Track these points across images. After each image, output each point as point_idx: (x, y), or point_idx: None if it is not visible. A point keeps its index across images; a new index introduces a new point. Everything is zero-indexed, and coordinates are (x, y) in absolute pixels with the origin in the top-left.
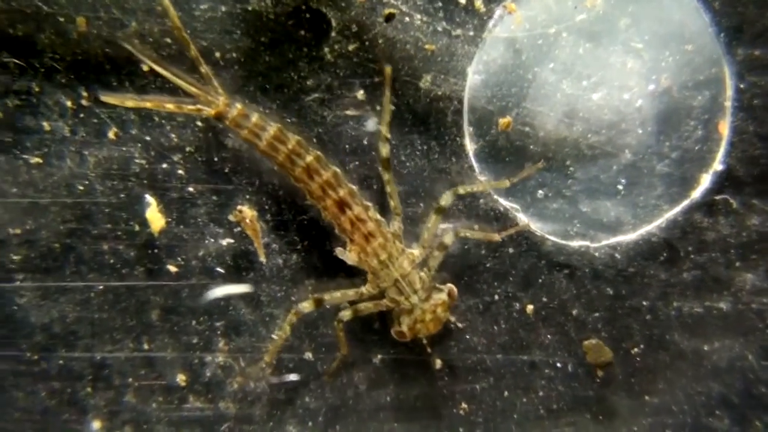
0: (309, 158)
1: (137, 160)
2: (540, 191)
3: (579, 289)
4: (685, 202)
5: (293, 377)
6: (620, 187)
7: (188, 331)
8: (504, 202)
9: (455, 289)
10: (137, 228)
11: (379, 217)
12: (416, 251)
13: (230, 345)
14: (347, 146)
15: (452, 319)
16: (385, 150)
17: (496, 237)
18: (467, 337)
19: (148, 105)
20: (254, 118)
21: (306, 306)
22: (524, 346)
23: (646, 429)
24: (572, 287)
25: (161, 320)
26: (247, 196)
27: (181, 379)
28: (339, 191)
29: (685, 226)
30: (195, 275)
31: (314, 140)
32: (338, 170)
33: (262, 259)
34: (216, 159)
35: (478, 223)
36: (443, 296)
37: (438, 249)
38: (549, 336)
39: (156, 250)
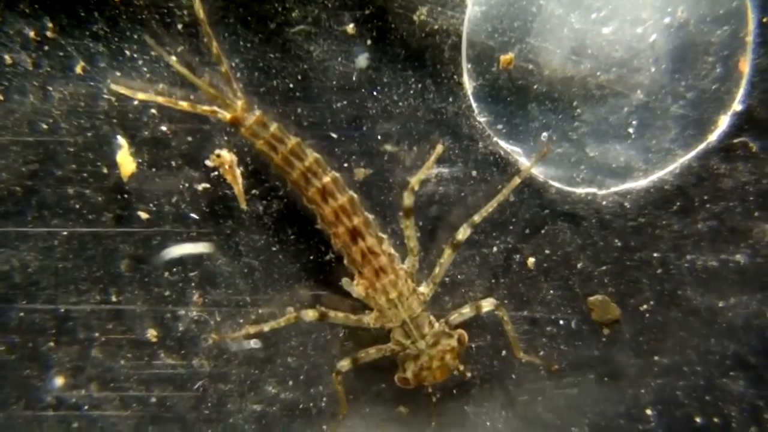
0: (326, 179)
1: (106, 97)
2: (544, 134)
3: (584, 241)
4: (701, 146)
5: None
6: (631, 129)
7: (160, 282)
8: (505, 146)
9: (466, 335)
10: (105, 170)
11: (393, 251)
12: (425, 289)
13: (205, 298)
14: (335, 84)
15: (461, 368)
16: (408, 201)
17: (522, 355)
18: (462, 291)
19: (159, 100)
20: (272, 128)
21: (310, 315)
22: (525, 301)
23: (655, 391)
24: (577, 238)
25: (130, 270)
26: (226, 138)
27: (151, 334)
28: (353, 219)
29: (700, 172)
30: (168, 222)
31: (299, 77)
32: (355, 196)
33: (242, 206)
34: (192, 97)
35: (476, 168)
36: (452, 342)
37: (470, 309)
38: (551, 291)
39: (126, 195)
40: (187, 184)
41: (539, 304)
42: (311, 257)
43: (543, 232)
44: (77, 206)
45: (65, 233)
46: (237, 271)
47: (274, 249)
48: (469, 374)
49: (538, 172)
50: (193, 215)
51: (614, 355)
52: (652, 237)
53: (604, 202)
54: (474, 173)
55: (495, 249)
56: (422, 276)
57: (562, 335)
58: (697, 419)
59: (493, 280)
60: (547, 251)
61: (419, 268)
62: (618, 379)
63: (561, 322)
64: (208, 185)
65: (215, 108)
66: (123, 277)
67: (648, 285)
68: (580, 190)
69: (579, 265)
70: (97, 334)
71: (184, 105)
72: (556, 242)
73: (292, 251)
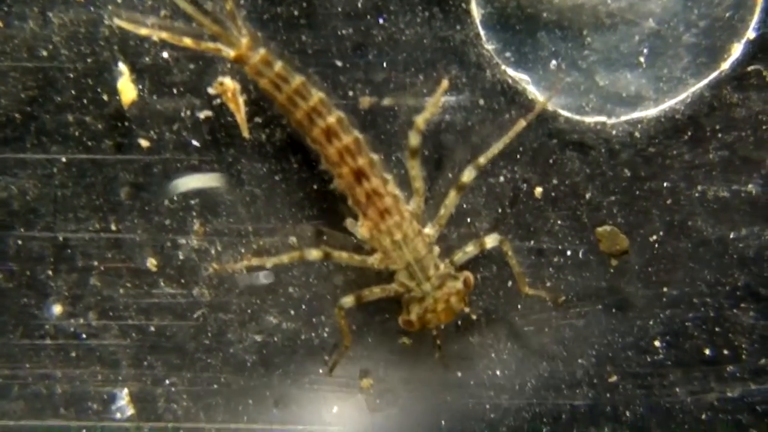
0: (330, 119)
1: (106, 23)
2: (553, 62)
3: (593, 170)
4: (713, 75)
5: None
6: (642, 58)
7: (160, 210)
8: (513, 74)
9: (471, 278)
10: (106, 97)
11: (398, 192)
12: (430, 230)
13: (206, 227)
14: (340, 11)
15: (467, 310)
16: (414, 140)
17: (528, 289)
18: (468, 220)
19: (163, 36)
20: (277, 66)
21: (314, 254)
22: (531, 232)
23: (663, 322)
24: (586, 168)
25: (130, 198)
26: (228, 65)
27: (151, 263)
28: (358, 159)
29: (712, 101)
30: (169, 150)
31: (303, 3)
32: (360, 136)
33: (245, 134)
34: (194, 24)
35: (483, 97)
36: (458, 284)
37: (474, 246)
38: (559, 221)
39: (126, 122)
40: (188, 112)
41: (546, 234)
42: (315, 186)
43: (551, 161)
44: (77, 133)
45: (64, 160)
46: (239, 199)
47: (276, 178)
48: (474, 317)
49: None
50: (195, 143)
51: (622, 286)
52: (663, 167)
53: (613, 132)
54: (481, 102)
55: (501, 179)
56: (427, 216)
57: (569, 266)
58: (707, 351)
59: (499, 210)
60: (554, 181)
61: (425, 206)
62: (626, 310)
63: (568, 252)
64: (210, 113)
65: (219, 45)
66: (123, 205)
67: (657, 215)
68: (590, 119)
69: (587, 195)
70: (96, 263)
71: (187, 41)
72: (564, 172)
73: (295, 180)
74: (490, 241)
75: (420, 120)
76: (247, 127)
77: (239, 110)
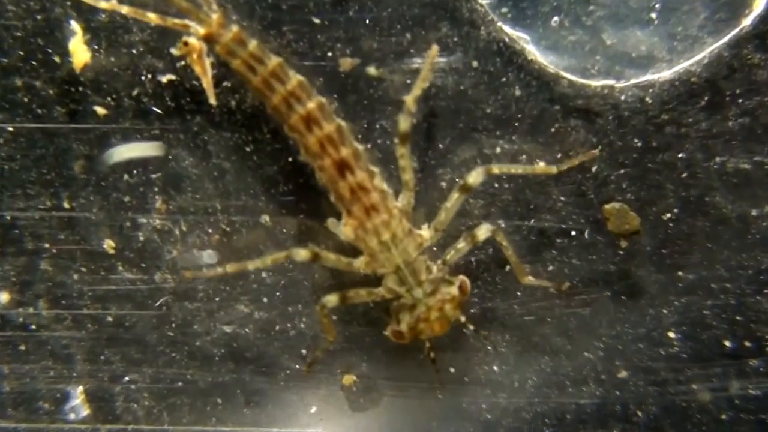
0: (310, 105)
1: None
2: (555, 18)
3: (600, 140)
4: (733, 33)
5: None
6: (654, 14)
7: (118, 186)
8: (510, 32)
9: (468, 283)
10: (57, 59)
11: (385, 187)
12: (426, 233)
13: (169, 204)
14: None
15: (463, 319)
16: (405, 124)
17: (528, 279)
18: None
19: (124, 10)
20: (251, 46)
21: (302, 254)
22: (532, 210)
23: (678, 311)
24: (592, 138)
25: (85, 172)
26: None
27: (108, 245)
28: (341, 150)
29: (732, 61)
30: (128, 118)
31: None
32: (344, 124)
33: (212, 101)
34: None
35: (477, 58)
36: (453, 290)
37: (465, 241)
38: (562, 198)
39: (80, 87)
40: (149, 75)
41: (548, 212)
42: (289, 159)
43: (553, 130)
44: (25, 99)
45: (11, 130)
46: (205, 173)
47: (247, 149)
48: (472, 327)
49: (549, 62)
50: (156, 110)
51: (633, 270)
52: (677, 136)
53: (622, 97)
54: (475, 64)
55: (498, 149)
56: (420, 213)
57: (573, 248)
58: (727, 343)
59: (495, 185)
60: (557, 153)
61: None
62: (637, 297)
63: (573, 232)
64: (173, 76)
65: (187, 21)
66: (76, 180)
67: (672, 191)
68: (596, 83)
69: (593, 169)
70: (46, 245)
71: (151, 17)
72: (567, 142)
73: (268, 152)
74: (482, 232)
75: (410, 100)
76: (214, 92)
77: (206, 74)
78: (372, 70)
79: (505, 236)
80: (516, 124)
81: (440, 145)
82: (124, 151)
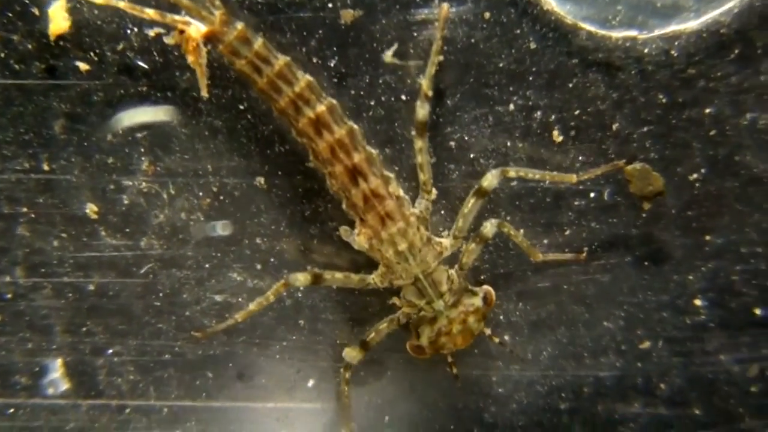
0: (320, 108)
1: None
2: None
3: (622, 96)
4: None
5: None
6: None
7: (102, 147)
8: None
9: (493, 293)
10: (37, 12)
11: (401, 193)
12: (446, 241)
13: (156, 166)
14: None
15: (487, 332)
16: (422, 111)
17: (542, 256)
18: (470, 156)
19: (121, 5)
20: (257, 44)
21: (301, 279)
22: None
23: (705, 277)
24: (613, 93)
25: (66, 132)
26: None
27: (90, 209)
28: (353, 156)
29: (764, 11)
30: (111, 74)
31: None
32: (356, 127)
33: (204, 93)
34: None
35: (489, 9)
36: (477, 301)
37: (474, 242)
38: (581, 158)
39: (61, 42)
40: (135, 29)
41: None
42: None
43: (570, 86)
44: (2, 55)
45: None
46: (195, 133)
47: (241, 107)
48: (497, 339)
49: (566, 11)
50: (143, 65)
51: (656, 233)
52: (705, 91)
53: (646, 49)
54: (487, 14)
55: (511, 106)
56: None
57: (592, 210)
58: (757, 311)
59: (508, 144)
60: (576, 110)
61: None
62: (661, 262)
63: (592, 194)
64: (161, 30)
65: (188, 19)
66: (57, 141)
67: (699, 149)
68: (617, 34)
69: (614, 126)
70: (24, 209)
71: (150, 13)
72: (586, 98)
73: (263, 109)
74: (489, 229)
75: (425, 83)
76: (206, 85)
77: (200, 65)
78: (389, 57)
79: (511, 227)
80: (531, 79)
81: (449, 102)
82: (136, 115)
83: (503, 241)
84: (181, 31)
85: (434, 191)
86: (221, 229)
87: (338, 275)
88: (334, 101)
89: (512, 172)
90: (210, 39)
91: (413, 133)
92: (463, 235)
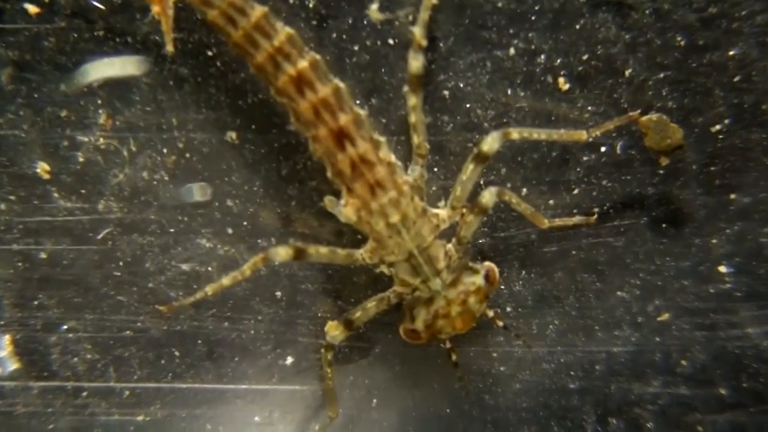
0: (302, 64)
1: None
2: None
3: (635, 39)
4: None
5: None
6: None
7: (54, 98)
8: None
9: (496, 270)
10: None
11: (393, 159)
12: (443, 212)
13: (115, 119)
14: None
15: (490, 314)
16: (416, 63)
17: (548, 222)
18: (467, 106)
19: None
20: None
21: (281, 254)
22: (553, 122)
23: (731, 241)
24: (625, 35)
25: (13, 82)
26: None
27: (42, 168)
28: (339, 117)
29: None
30: (64, 17)
31: None
32: (342, 85)
33: (169, 47)
34: None
35: None
36: (478, 280)
37: (473, 213)
38: (589, 108)
39: None
40: None
41: (573, 124)
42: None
43: (578, 27)
44: None
45: None
46: (158, 82)
47: (209, 53)
48: (501, 323)
49: None
50: (99, 5)
51: (675, 192)
52: (728, 32)
53: None
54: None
55: (512, 51)
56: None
57: (603, 166)
58: None
59: (509, 92)
60: (584, 54)
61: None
62: (680, 224)
63: (602, 148)
64: None
65: None
66: (3, 92)
67: (722, 97)
68: None
69: (627, 72)
70: None
71: None
72: (595, 40)
73: (233, 56)
74: (488, 198)
75: (418, 31)
76: (172, 39)
77: (167, 16)
78: (375, 12)
79: (513, 194)
80: (533, 19)
81: (441, 46)
82: (97, 69)
83: (503, 202)
84: None
85: (427, 146)
86: (188, 190)
87: (323, 250)
88: (318, 56)
89: (515, 134)
90: None
91: (406, 88)
92: (461, 205)
